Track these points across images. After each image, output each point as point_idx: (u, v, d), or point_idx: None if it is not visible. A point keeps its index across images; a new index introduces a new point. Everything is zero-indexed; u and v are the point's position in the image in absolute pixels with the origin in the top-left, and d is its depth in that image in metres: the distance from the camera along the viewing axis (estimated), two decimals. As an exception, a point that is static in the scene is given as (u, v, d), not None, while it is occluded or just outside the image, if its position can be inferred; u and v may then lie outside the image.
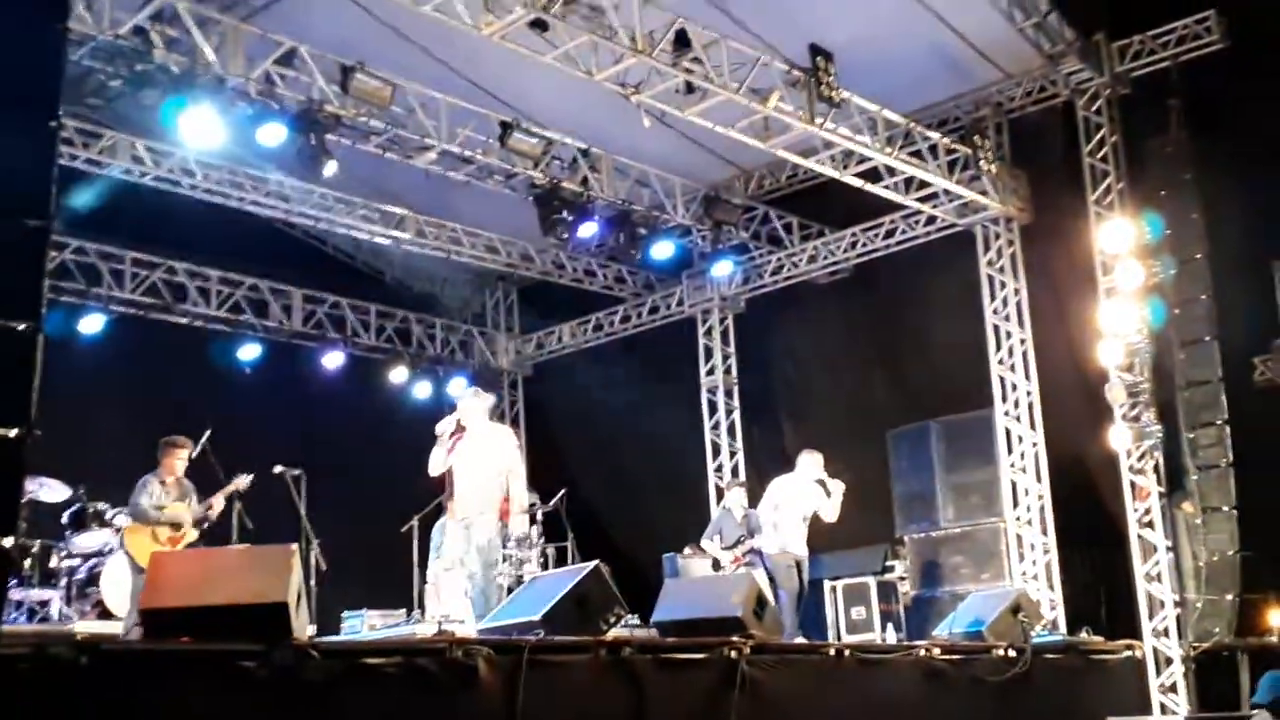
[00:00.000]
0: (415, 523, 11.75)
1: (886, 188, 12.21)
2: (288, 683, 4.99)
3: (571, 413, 16.40)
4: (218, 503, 9.13)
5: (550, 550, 12.30)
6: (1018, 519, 12.09)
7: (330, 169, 10.54)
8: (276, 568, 5.35)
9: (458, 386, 16.30)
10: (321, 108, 10.18)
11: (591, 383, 16.39)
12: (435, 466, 8.62)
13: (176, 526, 8.98)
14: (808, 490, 10.63)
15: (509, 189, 12.26)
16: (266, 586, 5.23)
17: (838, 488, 10.58)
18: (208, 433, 9.46)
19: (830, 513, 10.60)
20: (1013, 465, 12.22)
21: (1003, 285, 12.61)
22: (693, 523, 13.49)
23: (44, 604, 10.09)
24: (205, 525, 9.20)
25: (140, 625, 5.29)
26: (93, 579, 10.07)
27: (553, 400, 16.93)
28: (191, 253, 13.86)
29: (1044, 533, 12.01)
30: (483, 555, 8.11)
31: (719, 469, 14.68)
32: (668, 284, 15.68)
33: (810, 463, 10.70)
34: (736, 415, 14.84)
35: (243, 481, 9.16)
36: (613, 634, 6.90)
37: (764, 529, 10.85)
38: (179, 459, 9.11)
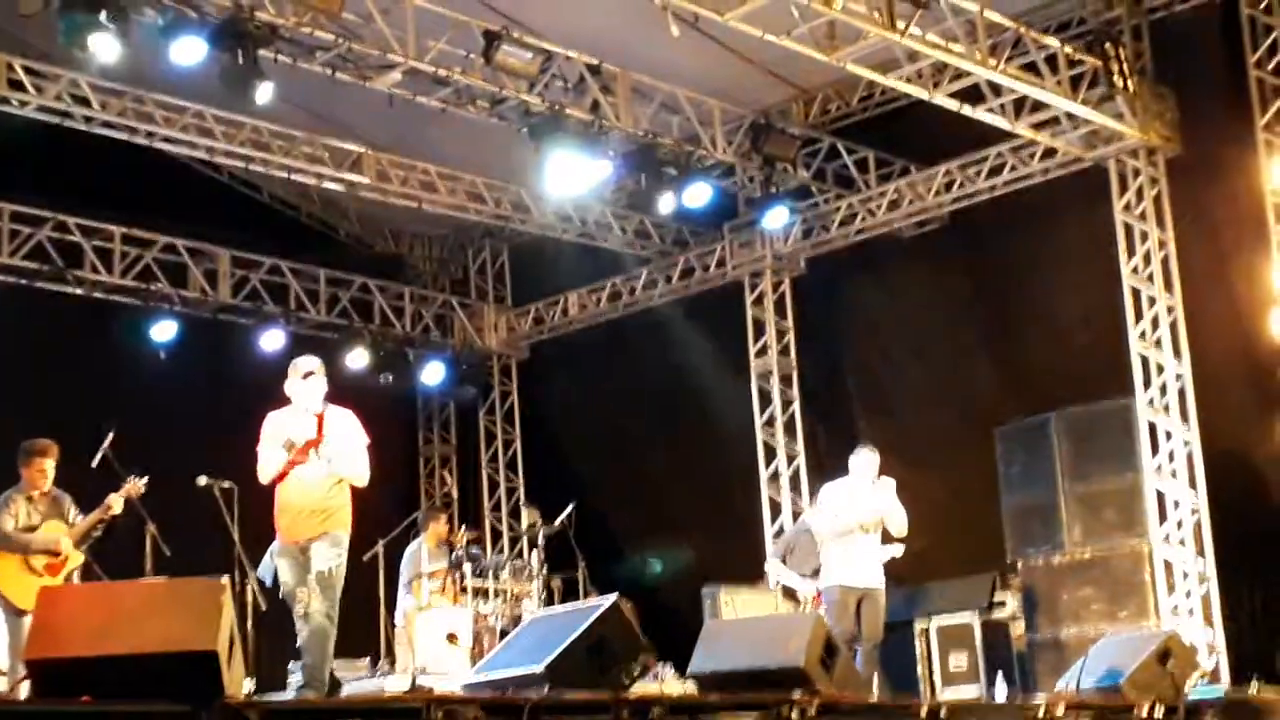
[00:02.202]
0: (380, 549, 11.89)
1: (990, 111, 12.15)
2: (219, 753, 5.03)
3: (580, 407, 16.44)
4: (115, 505, 9.08)
5: (556, 582, 12.36)
6: (1165, 539, 12.07)
7: (265, 94, 10.54)
8: (203, 607, 5.38)
9: (434, 373, 16.43)
10: (252, 15, 10.18)
11: (606, 368, 16.42)
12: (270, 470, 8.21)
13: (54, 553, 9.03)
14: (864, 497, 10.48)
15: (496, 118, 12.25)
16: (191, 631, 5.25)
17: (886, 486, 10.50)
18: (110, 434, 9.48)
19: (898, 523, 10.52)
20: (1159, 470, 12.20)
21: (1144, 236, 12.56)
22: (740, 548, 13.53)
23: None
24: (87, 544, 9.23)
25: (26, 680, 5.32)
26: (-38, 625, 10.12)
27: (555, 391, 16.98)
28: (88, 205, 13.93)
29: (1200, 555, 11.98)
30: (323, 585, 7.88)
31: (774, 477, 14.68)
32: (705, 239, 15.67)
33: (864, 463, 10.62)
34: (796, 408, 14.84)
35: (136, 486, 9.18)
36: (638, 689, 6.90)
37: (806, 550, 10.83)
38: (44, 469, 9.15)
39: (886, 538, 10.53)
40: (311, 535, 7.86)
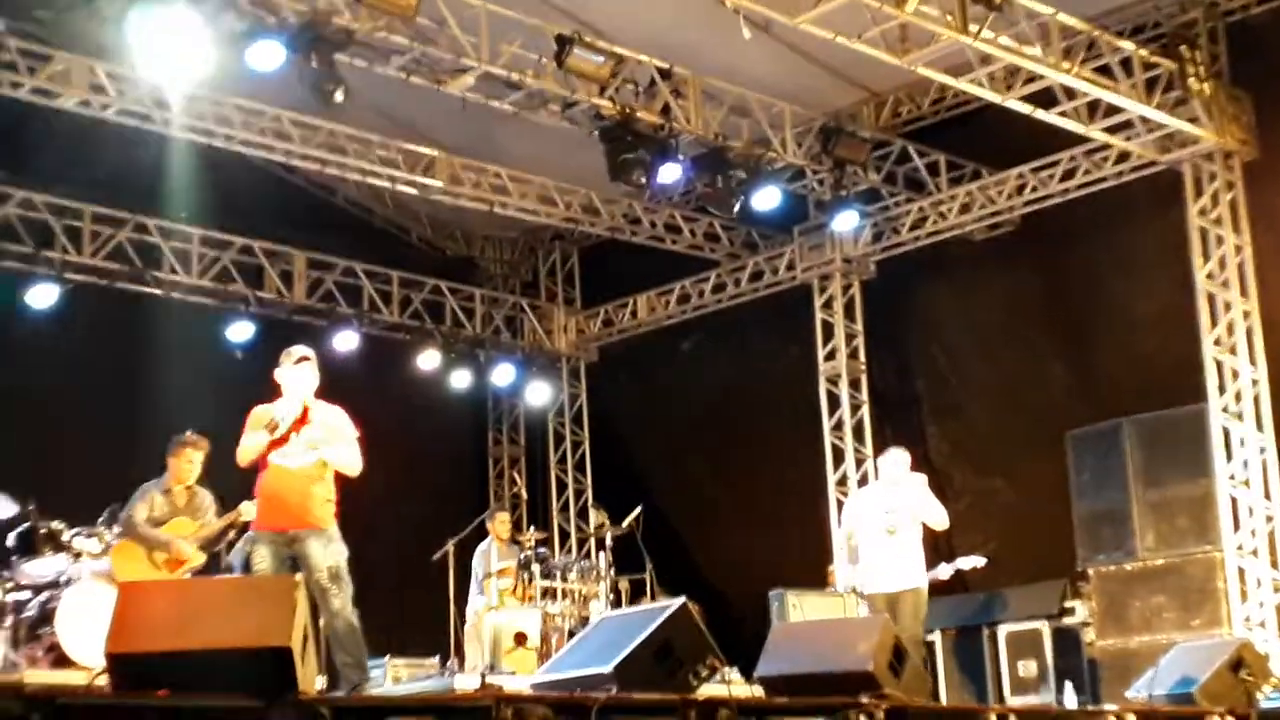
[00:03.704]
0: (451, 548, 11.98)
1: (1064, 115, 12.07)
2: (292, 748, 5.07)
3: (648, 409, 16.47)
4: (246, 513, 8.97)
5: (623, 584, 12.38)
6: (1239, 548, 11.93)
7: (340, 98, 10.64)
8: (278, 603, 5.41)
9: (504, 374, 16.51)
10: (329, 20, 10.29)
11: (674, 371, 16.43)
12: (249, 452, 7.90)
13: (174, 554, 9.12)
14: (894, 498, 10.41)
15: (567, 122, 12.30)
16: (266, 627, 5.29)
17: (917, 482, 10.42)
18: (188, 433, 9.63)
19: (936, 518, 10.43)
20: (1233, 478, 12.07)
21: (1219, 240, 12.44)
22: (807, 551, 13.48)
23: (-15, 648, 10.33)
24: (217, 547, 9.32)
25: (106, 673, 5.40)
26: (46, 616, 10.26)
27: (624, 393, 17.02)
28: (167, 207, 14.11)
29: (1275, 566, 11.85)
30: (339, 581, 7.75)
31: (842, 481, 14.62)
32: (774, 242, 15.65)
33: (892, 463, 10.56)
34: (865, 412, 14.78)
35: (249, 510, 9.16)
36: (705, 691, 6.89)
37: (841, 562, 10.79)
38: (192, 462, 9.24)
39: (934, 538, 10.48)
40: (295, 525, 7.71)
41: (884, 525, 10.29)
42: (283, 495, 7.77)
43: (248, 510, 9.08)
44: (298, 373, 7.95)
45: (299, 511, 7.74)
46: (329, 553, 7.69)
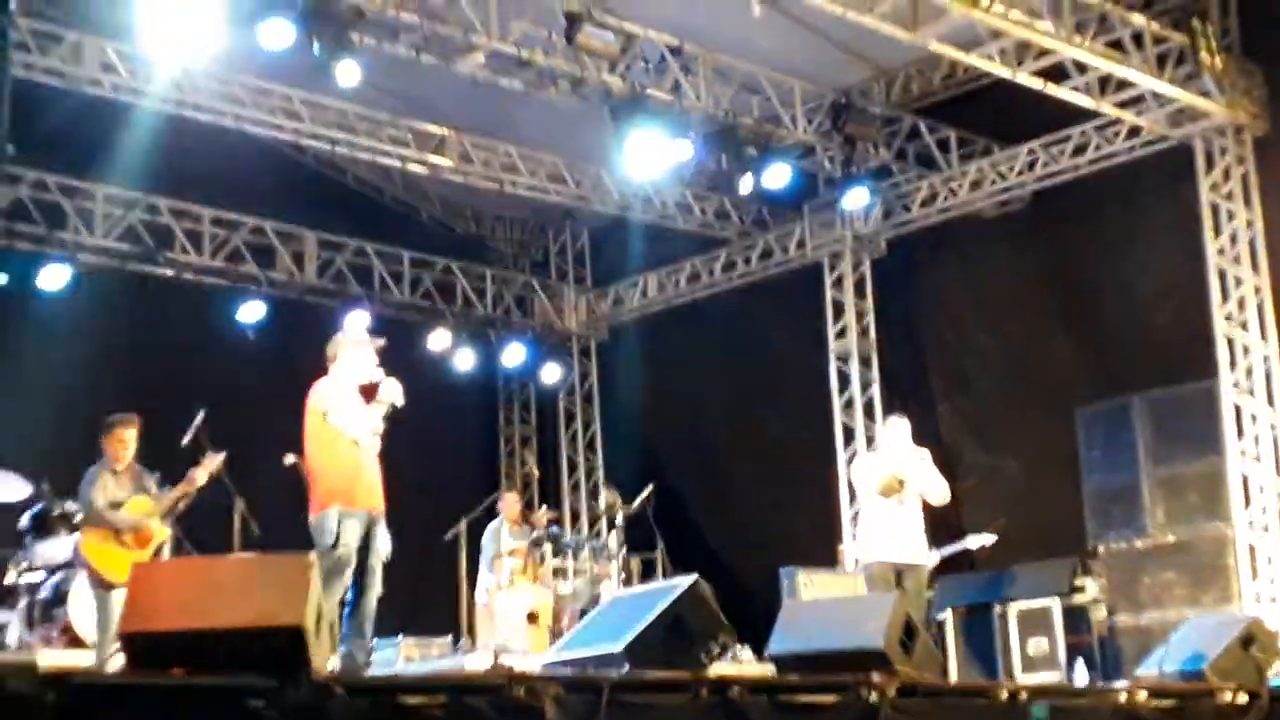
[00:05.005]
0: (463, 528, 12.00)
1: (1075, 90, 12.04)
2: (305, 726, 5.07)
3: (658, 388, 16.45)
4: (199, 479, 9.12)
5: (634, 562, 12.41)
6: (1250, 524, 11.93)
7: (351, 77, 10.63)
8: (291, 582, 5.42)
9: (515, 354, 16.52)
10: (338, -3, 10.28)
11: (684, 349, 16.42)
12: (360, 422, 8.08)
13: (142, 530, 9.13)
14: (899, 466, 10.29)
15: (577, 100, 12.27)
16: (279, 606, 5.30)
17: (922, 456, 10.32)
18: (201, 413, 9.62)
19: (938, 494, 10.31)
20: (1243, 454, 12.05)
21: (1230, 216, 12.40)
22: (818, 529, 13.48)
23: (-1, 628, 10.40)
24: (172, 517, 9.33)
25: (121, 653, 5.41)
26: (60, 598, 10.32)
27: (634, 372, 17.00)
28: (178, 187, 14.13)
29: (1285, 542, 11.84)
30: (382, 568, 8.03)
31: (852, 459, 14.58)
32: (784, 220, 15.62)
33: (897, 431, 10.46)
34: (875, 390, 14.76)
35: (216, 461, 9.24)
36: (716, 669, 6.90)
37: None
38: (124, 441, 9.25)
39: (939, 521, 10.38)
40: (375, 506, 8.00)
41: (898, 476, 10.05)
42: (371, 476, 8.04)
43: (199, 476, 9.15)
44: (372, 354, 8.19)
45: (378, 494, 8.05)
46: (387, 538, 8.01)
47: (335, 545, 7.79)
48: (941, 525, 10.75)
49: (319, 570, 7.56)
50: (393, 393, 8.12)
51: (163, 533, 9.27)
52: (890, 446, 10.34)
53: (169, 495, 9.27)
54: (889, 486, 9.99)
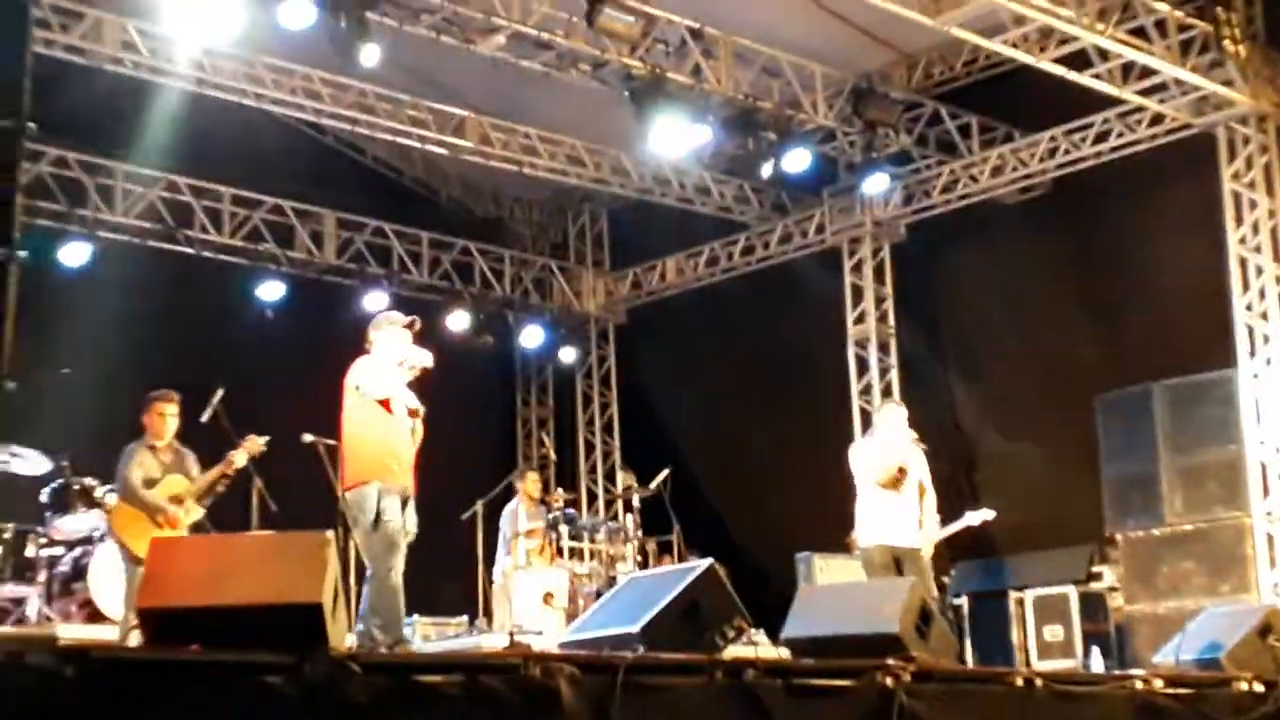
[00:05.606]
0: (479, 508, 12.02)
1: (1097, 77, 12.00)
2: (322, 702, 5.09)
3: (676, 371, 16.45)
4: (238, 460, 9.13)
5: (651, 545, 12.41)
6: (1268, 514, 11.90)
7: (371, 58, 10.63)
8: (309, 560, 5.43)
9: (533, 336, 16.53)
10: (360, -23, 10.29)
11: (703, 333, 16.41)
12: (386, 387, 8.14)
13: (177, 502, 9.16)
14: (895, 452, 10.18)
15: (598, 82, 12.26)
16: (296, 583, 5.31)
17: (918, 455, 10.23)
18: (220, 391, 9.64)
19: (929, 496, 10.23)
20: (1263, 443, 12.02)
21: (1253, 205, 12.35)
22: (835, 514, 13.43)
23: (19, 602, 10.44)
24: (210, 498, 9.36)
25: (138, 628, 5.44)
26: (79, 572, 10.40)
27: (653, 355, 17.01)
28: (198, 166, 14.15)
29: (1304, 533, 11.79)
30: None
31: (866, 446, 14.60)
32: (804, 205, 15.59)
33: (895, 417, 10.36)
34: (894, 376, 14.75)
35: (257, 444, 9.29)
36: (731, 652, 6.91)
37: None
38: (168, 417, 9.26)
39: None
40: (409, 488, 8.11)
41: (900, 464, 9.98)
42: (409, 456, 8.18)
43: (239, 458, 9.18)
44: (408, 334, 8.31)
45: (410, 475, 8.16)
46: (415, 519, 8.13)
47: (378, 522, 7.88)
48: (957, 511, 10.76)
49: (379, 548, 7.80)
50: (421, 356, 8.20)
51: (196, 512, 9.28)
52: (888, 433, 10.24)
53: (206, 477, 9.28)
54: (892, 478, 9.96)
